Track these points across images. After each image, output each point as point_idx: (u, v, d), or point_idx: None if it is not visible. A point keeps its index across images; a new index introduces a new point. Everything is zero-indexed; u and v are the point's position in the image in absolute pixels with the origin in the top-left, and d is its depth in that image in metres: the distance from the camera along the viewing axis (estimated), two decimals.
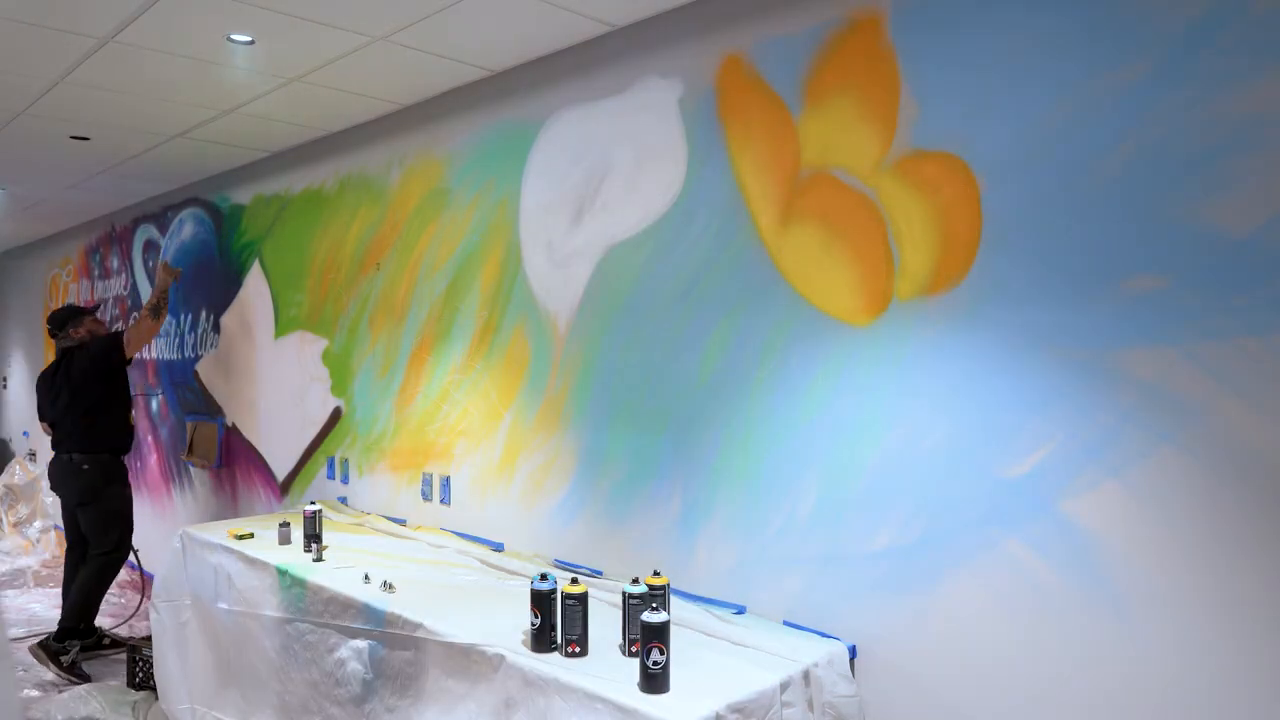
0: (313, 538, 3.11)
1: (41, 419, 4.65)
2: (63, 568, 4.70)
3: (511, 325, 3.15)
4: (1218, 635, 1.67)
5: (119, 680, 3.97)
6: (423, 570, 2.85)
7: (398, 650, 2.40)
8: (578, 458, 2.90)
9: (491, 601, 2.52)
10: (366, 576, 2.70)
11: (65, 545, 4.58)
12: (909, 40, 2.09)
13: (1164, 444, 1.72)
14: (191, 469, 5.29)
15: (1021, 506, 1.90)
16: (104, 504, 4.36)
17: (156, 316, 4.49)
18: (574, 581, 2.12)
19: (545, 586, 2.12)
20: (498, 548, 3.15)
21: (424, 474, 3.53)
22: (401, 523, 3.56)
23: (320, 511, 3.17)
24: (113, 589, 5.51)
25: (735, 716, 1.84)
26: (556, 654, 2.10)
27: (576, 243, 2.90)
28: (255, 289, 4.68)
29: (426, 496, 3.52)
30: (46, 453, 7.60)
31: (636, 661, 1.91)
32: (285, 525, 3.25)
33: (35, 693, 3.86)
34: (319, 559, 2.96)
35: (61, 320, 4.57)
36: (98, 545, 4.37)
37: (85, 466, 4.31)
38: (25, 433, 8.01)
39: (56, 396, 4.42)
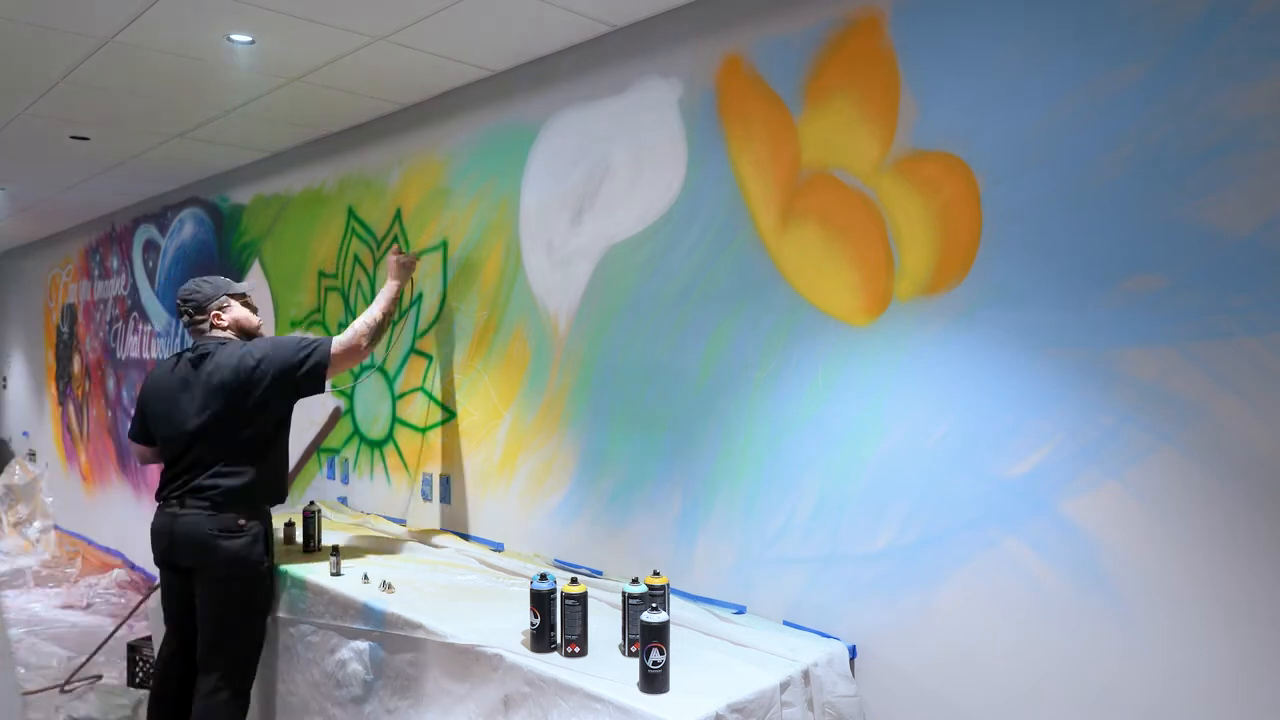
0: (319, 542, 3.11)
1: (141, 440, 2.98)
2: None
3: (511, 325, 3.15)
4: (1217, 635, 1.66)
5: (119, 680, 3.97)
6: (422, 570, 2.85)
7: (398, 651, 2.40)
8: (578, 457, 2.90)
9: (491, 602, 2.52)
10: (366, 576, 2.70)
11: (165, 649, 2.91)
12: (909, 40, 2.09)
13: (1164, 444, 1.72)
14: None
15: (1021, 506, 1.90)
16: (256, 587, 2.79)
17: (375, 340, 2.95)
18: (574, 581, 2.12)
19: (545, 586, 2.12)
20: (497, 548, 3.15)
21: (424, 474, 3.53)
22: (401, 523, 3.56)
23: (319, 512, 3.17)
24: (113, 589, 5.52)
25: (735, 716, 1.84)
26: (556, 654, 2.10)
27: (576, 243, 2.90)
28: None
29: (426, 496, 3.52)
30: (49, 453, 7.67)
31: (636, 661, 1.91)
32: (290, 525, 3.25)
33: (35, 690, 3.86)
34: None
35: (202, 301, 2.91)
36: (226, 663, 2.72)
37: (241, 522, 2.75)
38: (25, 433, 8.00)
39: (185, 417, 2.78)
